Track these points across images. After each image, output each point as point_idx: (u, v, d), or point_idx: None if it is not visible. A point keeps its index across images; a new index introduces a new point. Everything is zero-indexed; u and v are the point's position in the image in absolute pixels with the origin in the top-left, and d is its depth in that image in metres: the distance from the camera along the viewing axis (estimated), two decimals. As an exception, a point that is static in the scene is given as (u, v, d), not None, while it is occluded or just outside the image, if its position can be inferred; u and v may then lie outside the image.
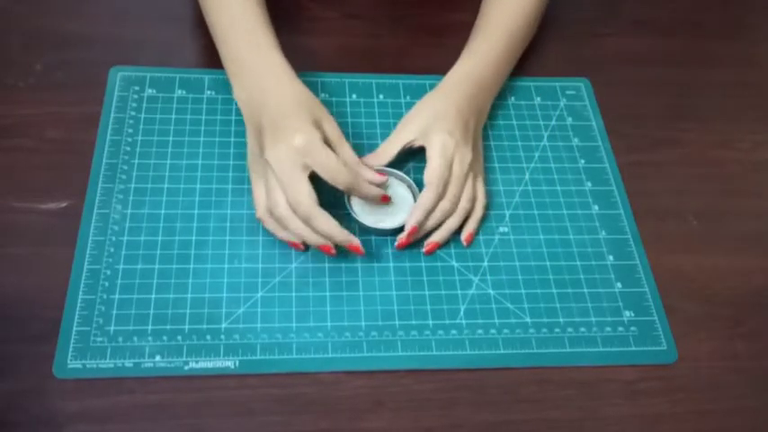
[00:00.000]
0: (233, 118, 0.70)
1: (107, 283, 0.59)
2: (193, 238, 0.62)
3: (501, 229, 0.66)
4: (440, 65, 0.71)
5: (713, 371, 0.61)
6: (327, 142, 0.59)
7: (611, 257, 0.66)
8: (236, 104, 0.65)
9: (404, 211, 0.63)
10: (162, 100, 0.70)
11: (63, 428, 0.52)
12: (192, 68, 0.73)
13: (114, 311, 0.57)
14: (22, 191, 0.63)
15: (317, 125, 0.59)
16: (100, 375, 0.54)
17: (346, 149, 0.61)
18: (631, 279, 0.65)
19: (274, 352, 0.57)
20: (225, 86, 0.67)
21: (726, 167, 0.75)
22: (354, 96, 0.74)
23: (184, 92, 0.71)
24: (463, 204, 0.63)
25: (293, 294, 0.60)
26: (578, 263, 0.65)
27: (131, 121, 0.68)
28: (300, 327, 0.59)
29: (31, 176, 0.64)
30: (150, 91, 0.71)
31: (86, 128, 0.67)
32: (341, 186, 0.59)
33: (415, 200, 0.64)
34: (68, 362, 0.55)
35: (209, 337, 0.57)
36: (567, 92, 0.78)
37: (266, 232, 0.62)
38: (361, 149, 0.68)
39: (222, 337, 0.57)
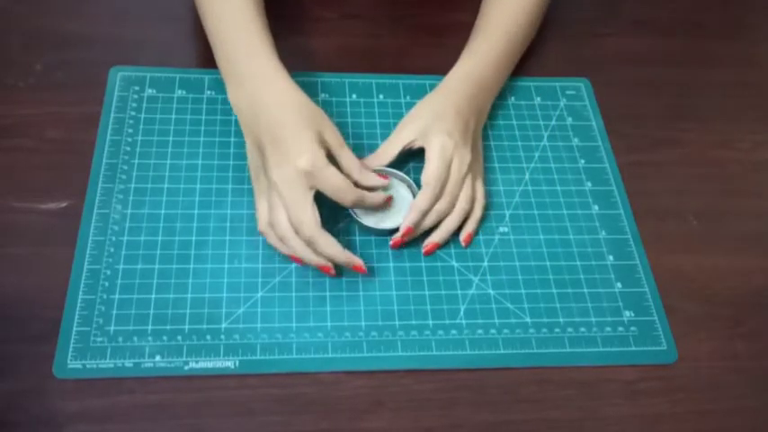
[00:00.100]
0: (233, 118, 0.70)
1: (107, 283, 0.59)
2: (193, 238, 0.62)
3: (501, 229, 0.66)
4: (440, 65, 0.71)
5: (713, 371, 0.61)
6: (328, 149, 0.58)
7: (611, 257, 0.66)
8: None
9: (404, 210, 0.63)
10: (162, 100, 0.70)
11: (63, 428, 0.52)
12: (192, 68, 0.73)
13: (114, 311, 0.57)
14: (22, 191, 0.63)
15: (319, 137, 0.58)
16: (100, 375, 0.54)
17: (347, 156, 0.60)
18: (631, 279, 0.65)
19: (274, 352, 0.57)
20: (225, 87, 0.67)
21: (726, 167, 0.75)
22: (354, 96, 0.74)
23: (184, 92, 0.71)
24: (462, 205, 0.63)
25: (293, 294, 0.60)
26: (578, 263, 0.65)
27: (131, 121, 0.68)
28: (300, 327, 0.59)
29: (31, 176, 0.64)
30: (150, 91, 0.71)
31: (86, 128, 0.67)
32: (347, 204, 0.59)
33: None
34: (68, 362, 0.55)
35: (209, 337, 0.57)
36: (567, 92, 0.78)
37: (266, 232, 0.62)
38: (360, 149, 0.68)
39: (222, 337, 0.57)
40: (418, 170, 0.66)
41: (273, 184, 0.57)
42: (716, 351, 0.62)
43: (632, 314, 0.63)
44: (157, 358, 0.56)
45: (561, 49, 0.81)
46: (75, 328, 0.56)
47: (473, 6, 0.75)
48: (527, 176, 0.70)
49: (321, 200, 0.58)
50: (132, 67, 0.72)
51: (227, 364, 0.56)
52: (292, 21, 0.79)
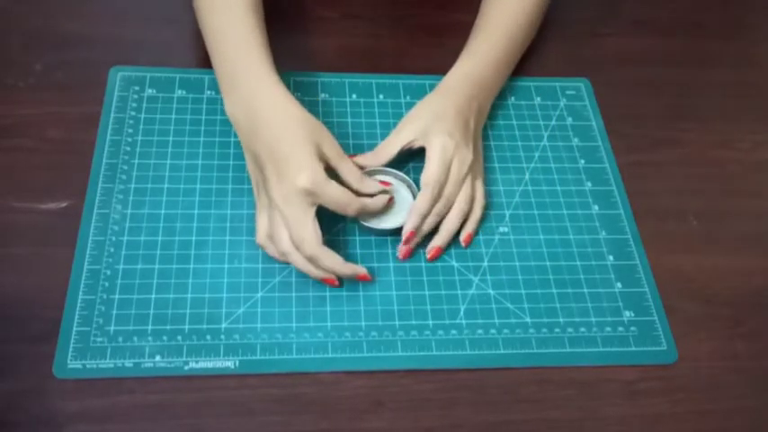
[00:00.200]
0: (233, 118, 0.70)
1: (107, 283, 0.59)
2: (193, 238, 0.62)
3: (501, 229, 0.66)
4: (440, 65, 0.71)
5: (713, 371, 0.61)
6: (327, 162, 0.58)
7: (611, 257, 0.66)
8: None
9: (404, 210, 0.63)
10: (162, 100, 0.70)
11: (63, 428, 0.52)
12: (192, 68, 0.73)
13: (114, 311, 0.57)
14: (22, 191, 0.63)
15: (318, 150, 0.57)
16: (100, 375, 0.54)
17: (347, 167, 0.60)
18: (631, 279, 0.65)
19: (274, 352, 0.57)
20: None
21: (726, 167, 0.75)
22: (354, 96, 0.74)
23: (184, 92, 0.71)
24: (461, 206, 0.63)
25: (293, 294, 0.60)
26: (578, 263, 0.65)
27: (131, 121, 0.68)
28: (300, 327, 0.59)
29: (31, 176, 0.64)
30: (150, 91, 0.71)
31: (86, 128, 0.67)
32: (351, 215, 0.59)
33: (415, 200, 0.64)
34: (68, 362, 0.55)
35: (209, 337, 0.57)
36: (567, 92, 0.78)
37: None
38: (360, 149, 0.68)
39: (222, 337, 0.57)
40: (418, 170, 0.66)
41: (274, 203, 0.56)
42: (716, 351, 0.62)
43: (632, 314, 0.63)
44: (157, 358, 0.56)
45: (561, 49, 0.81)
46: (75, 328, 0.56)
47: (473, 6, 0.75)
48: (527, 176, 0.70)
49: (321, 207, 0.58)
50: (132, 67, 0.72)
51: (227, 364, 0.56)
52: (293, 20, 0.79)
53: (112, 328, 0.57)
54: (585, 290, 0.63)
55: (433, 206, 0.62)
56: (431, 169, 0.62)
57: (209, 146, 0.68)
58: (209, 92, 0.71)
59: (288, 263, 0.59)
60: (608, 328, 0.62)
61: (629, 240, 0.67)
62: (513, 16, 0.72)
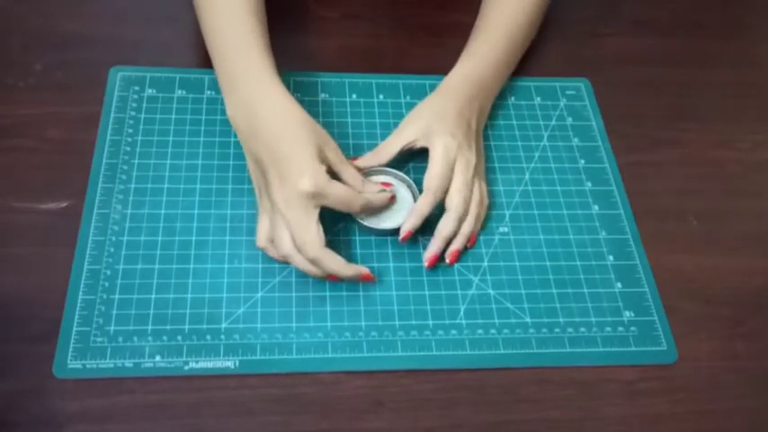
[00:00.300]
0: (233, 118, 0.70)
1: (107, 284, 0.59)
2: (193, 238, 0.62)
3: (501, 229, 0.66)
4: (440, 65, 0.71)
5: (713, 371, 0.61)
6: (329, 165, 0.58)
7: (611, 257, 0.66)
8: None
9: (404, 210, 0.63)
10: (162, 100, 0.70)
11: (63, 428, 0.52)
12: (192, 68, 0.73)
13: (114, 311, 0.57)
14: (22, 191, 0.63)
15: (320, 152, 0.57)
16: (100, 375, 0.55)
17: (349, 172, 0.60)
18: (631, 279, 0.65)
19: (274, 352, 0.57)
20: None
21: (726, 167, 0.75)
22: (354, 96, 0.74)
23: (184, 92, 0.71)
24: (475, 208, 0.63)
25: (293, 294, 0.60)
26: (578, 263, 0.65)
27: (131, 121, 0.68)
28: (300, 327, 0.59)
29: (31, 176, 0.64)
30: (150, 91, 0.71)
31: (86, 128, 0.67)
32: (356, 212, 0.59)
33: (415, 200, 0.64)
34: (68, 362, 0.55)
35: (209, 337, 0.57)
36: (567, 92, 0.78)
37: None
38: (360, 149, 0.68)
39: (222, 337, 0.57)
40: (418, 170, 0.66)
41: (276, 206, 0.56)
42: (716, 351, 0.62)
43: (632, 314, 0.63)
44: (157, 358, 0.56)
45: (561, 49, 0.81)
46: (75, 328, 0.56)
47: (473, 6, 0.75)
48: (527, 176, 0.70)
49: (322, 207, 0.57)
50: (132, 67, 0.72)
51: (227, 364, 0.56)
52: (293, 20, 0.79)
53: (112, 328, 0.57)
54: (585, 290, 0.63)
55: (434, 208, 0.61)
56: (434, 170, 0.61)
57: (209, 146, 0.68)
58: (209, 92, 0.71)
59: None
60: (608, 328, 0.62)
61: (629, 240, 0.67)
62: (513, 16, 0.72)
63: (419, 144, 0.64)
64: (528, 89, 0.77)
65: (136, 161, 0.66)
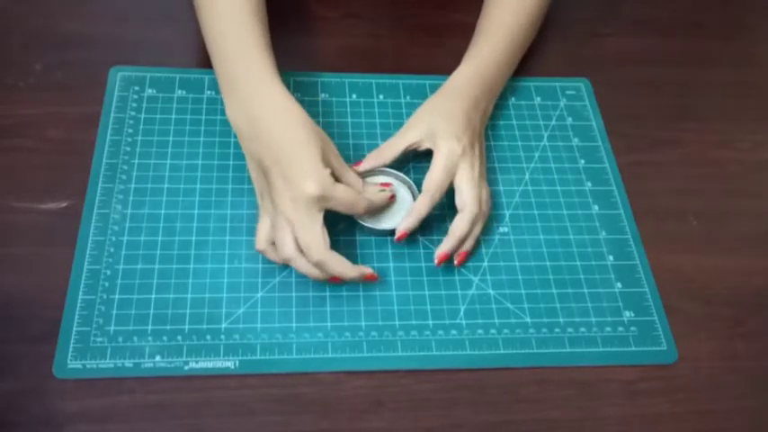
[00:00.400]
0: (233, 118, 0.70)
1: (107, 284, 0.59)
2: (193, 238, 0.62)
3: (501, 229, 0.66)
4: (440, 65, 0.71)
5: (713, 371, 0.61)
6: (331, 168, 0.57)
7: (611, 257, 0.66)
8: None
9: (404, 210, 0.63)
10: (162, 100, 0.70)
11: (63, 428, 0.52)
12: (192, 68, 0.73)
13: (114, 311, 0.57)
14: (22, 191, 0.63)
15: (323, 155, 0.56)
16: (100, 375, 0.55)
17: (351, 176, 0.60)
18: (631, 279, 0.65)
19: (274, 352, 0.57)
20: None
21: (726, 167, 0.75)
22: (354, 96, 0.74)
23: (184, 92, 0.71)
24: (485, 210, 0.63)
25: (293, 294, 0.60)
26: (578, 263, 0.65)
27: (131, 121, 0.68)
28: (300, 327, 0.59)
29: (31, 176, 0.64)
30: (150, 91, 0.71)
31: (86, 128, 0.67)
32: (360, 214, 0.59)
33: (415, 200, 0.64)
34: (68, 362, 0.55)
35: (209, 337, 0.57)
36: (567, 92, 0.78)
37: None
38: (361, 149, 0.68)
39: (222, 337, 0.57)
40: (418, 170, 0.66)
41: (279, 209, 0.55)
42: (716, 351, 0.62)
43: (632, 314, 0.63)
44: (157, 358, 0.56)
45: (561, 49, 0.81)
46: (75, 328, 0.56)
47: (473, 6, 0.75)
48: (527, 176, 0.70)
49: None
50: (132, 67, 0.72)
51: (227, 364, 0.56)
52: (293, 20, 0.79)
53: (112, 328, 0.57)
54: (585, 290, 0.63)
55: (431, 209, 0.61)
56: (435, 172, 0.61)
57: (209, 146, 0.68)
58: (209, 92, 0.71)
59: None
60: (608, 328, 0.62)
61: (629, 240, 0.67)
62: (516, 16, 0.72)
63: (424, 145, 0.63)
64: (528, 89, 0.77)
65: (136, 161, 0.66)
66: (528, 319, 0.61)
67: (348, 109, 0.73)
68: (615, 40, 0.84)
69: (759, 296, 0.66)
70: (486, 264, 0.64)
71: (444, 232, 0.63)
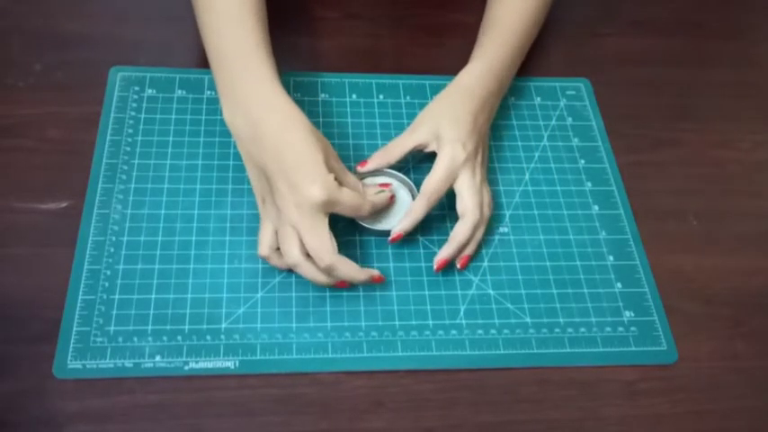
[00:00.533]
0: (233, 118, 0.69)
1: (107, 284, 0.59)
2: (193, 238, 0.62)
3: (501, 229, 0.66)
4: (440, 65, 0.71)
5: (713, 371, 0.61)
6: (334, 173, 0.57)
7: (611, 257, 0.66)
8: None
9: (403, 211, 0.63)
10: (162, 100, 0.70)
11: (63, 428, 0.52)
12: (192, 68, 0.73)
13: (114, 312, 0.57)
14: (22, 191, 0.63)
15: (326, 160, 0.56)
16: (100, 375, 0.55)
17: (350, 178, 0.60)
18: (631, 279, 0.65)
19: (274, 352, 0.57)
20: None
21: (726, 167, 0.75)
22: (354, 96, 0.74)
23: (184, 92, 0.71)
24: (486, 216, 0.63)
25: (293, 294, 0.60)
26: (578, 263, 0.65)
27: (131, 122, 0.68)
28: (300, 327, 0.59)
29: (31, 176, 0.64)
30: (150, 91, 0.71)
31: (86, 128, 0.67)
32: (364, 217, 0.59)
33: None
34: (68, 362, 0.55)
35: (209, 337, 0.57)
36: (567, 92, 0.78)
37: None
38: (361, 149, 0.68)
39: (222, 337, 0.57)
40: (418, 171, 0.66)
41: (284, 214, 0.55)
42: (716, 351, 0.62)
43: (632, 314, 0.63)
44: (157, 358, 0.56)
45: (561, 49, 0.81)
46: (75, 329, 0.56)
47: (473, 6, 0.75)
48: (527, 176, 0.70)
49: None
50: (132, 67, 0.72)
51: (227, 364, 0.56)
52: (293, 20, 0.79)
53: (112, 328, 0.57)
54: (585, 290, 0.63)
55: (427, 212, 0.61)
56: (434, 177, 0.61)
57: (209, 146, 0.68)
58: (209, 92, 0.71)
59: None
60: (608, 329, 0.62)
61: (629, 240, 0.67)
62: (521, 15, 0.71)
63: (430, 147, 0.63)
64: (528, 89, 0.77)
65: (136, 161, 0.66)
66: (528, 320, 0.61)
67: (348, 109, 0.73)
68: (615, 40, 0.84)
69: (759, 296, 0.66)
70: (486, 264, 0.64)
71: (444, 233, 0.63)
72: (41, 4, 0.76)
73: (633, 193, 0.70)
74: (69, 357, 0.55)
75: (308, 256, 0.55)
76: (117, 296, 0.58)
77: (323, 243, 0.55)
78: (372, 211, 0.60)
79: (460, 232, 0.61)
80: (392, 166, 0.65)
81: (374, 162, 0.64)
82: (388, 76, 0.76)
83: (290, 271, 0.59)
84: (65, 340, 0.56)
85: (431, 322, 0.60)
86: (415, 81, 0.75)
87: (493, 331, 0.60)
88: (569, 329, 0.61)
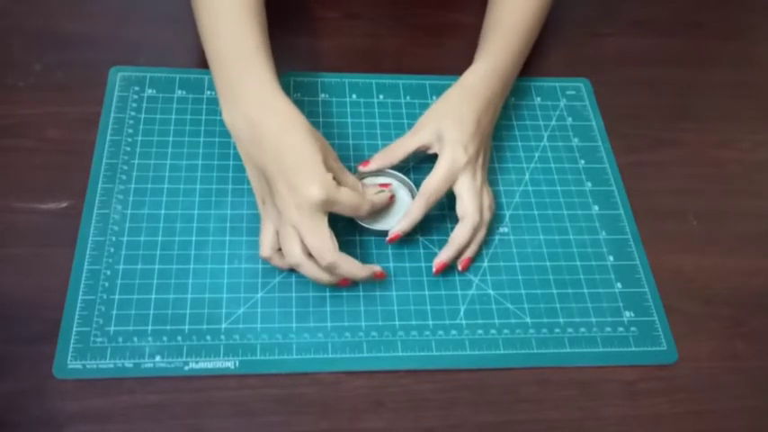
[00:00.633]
0: (233, 118, 0.69)
1: (107, 284, 0.59)
2: (193, 238, 0.62)
3: (501, 229, 0.66)
4: (440, 65, 0.71)
5: (713, 371, 0.61)
6: (333, 173, 0.57)
7: (611, 257, 0.66)
8: None
9: (402, 211, 0.63)
10: (162, 100, 0.70)
11: (63, 428, 0.52)
12: (192, 68, 0.73)
13: (114, 312, 0.57)
14: (22, 191, 0.63)
15: (324, 160, 0.56)
16: (100, 376, 0.55)
17: (350, 178, 0.60)
18: (631, 279, 0.65)
19: (274, 352, 0.57)
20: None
21: (726, 167, 0.75)
22: (354, 96, 0.74)
23: (184, 92, 0.71)
24: (486, 218, 0.63)
25: (293, 295, 0.60)
26: (578, 263, 0.65)
27: (131, 122, 0.68)
28: (300, 327, 0.59)
29: (31, 176, 0.64)
30: (150, 91, 0.71)
31: (86, 128, 0.67)
32: (363, 216, 0.59)
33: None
34: (68, 362, 0.55)
35: (209, 337, 0.57)
36: (567, 92, 0.78)
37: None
38: (361, 150, 0.68)
39: (222, 337, 0.57)
40: (418, 170, 0.66)
41: (285, 215, 0.55)
42: (716, 351, 0.62)
43: (632, 314, 0.63)
44: (157, 358, 0.56)
45: (561, 49, 0.81)
46: (75, 329, 0.56)
47: (473, 6, 0.75)
48: (527, 176, 0.70)
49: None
50: (132, 67, 0.72)
51: (227, 364, 0.56)
52: (293, 21, 0.79)
53: (112, 328, 0.57)
54: (585, 290, 0.63)
55: (427, 212, 0.61)
56: (434, 179, 0.61)
57: (209, 146, 0.68)
58: (209, 92, 0.71)
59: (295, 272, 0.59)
60: (608, 329, 0.62)
61: (629, 240, 0.67)
62: (523, 15, 0.71)
63: (433, 149, 0.63)
64: (528, 89, 0.77)
65: (136, 161, 0.66)
66: (528, 320, 0.61)
67: (348, 109, 0.73)
68: (615, 40, 0.84)
69: (759, 296, 0.66)
70: (486, 264, 0.64)
71: (444, 233, 0.63)
72: (41, 4, 0.76)
73: (633, 193, 0.70)
74: (69, 357, 0.55)
75: (309, 255, 0.55)
76: (117, 296, 0.58)
77: (324, 242, 0.55)
78: (371, 210, 0.60)
79: (460, 235, 0.61)
80: (394, 167, 0.65)
81: (377, 162, 0.64)
82: (388, 76, 0.76)
83: (292, 271, 0.59)
84: (65, 340, 0.56)
85: (431, 322, 0.60)
86: (415, 81, 0.75)
87: (493, 331, 0.60)
88: (569, 329, 0.61)
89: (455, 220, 0.62)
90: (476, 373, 0.58)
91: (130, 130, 0.68)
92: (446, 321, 0.60)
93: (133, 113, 0.69)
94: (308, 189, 0.54)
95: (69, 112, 0.68)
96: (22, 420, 0.52)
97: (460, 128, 0.62)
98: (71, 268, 0.59)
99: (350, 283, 0.58)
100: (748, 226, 0.70)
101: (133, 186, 0.64)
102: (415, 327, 0.60)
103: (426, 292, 0.62)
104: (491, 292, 0.62)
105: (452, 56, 0.70)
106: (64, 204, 0.62)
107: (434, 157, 0.62)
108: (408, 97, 0.74)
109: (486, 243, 0.65)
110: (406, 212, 0.61)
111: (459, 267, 0.62)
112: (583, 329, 0.61)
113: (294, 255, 0.55)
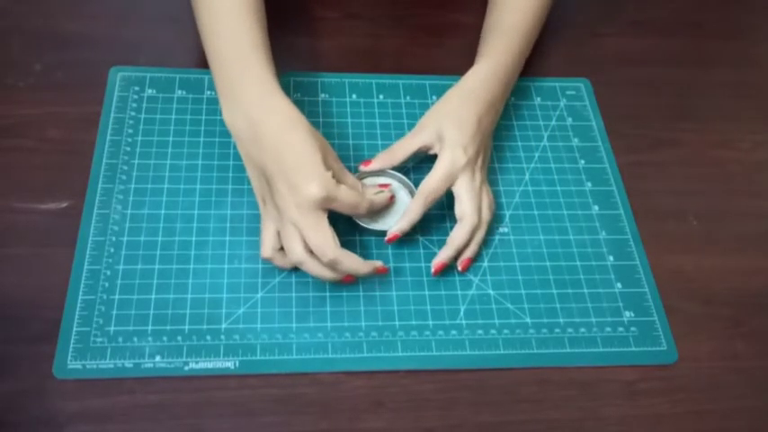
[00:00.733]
0: (233, 118, 0.69)
1: (107, 284, 0.59)
2: (193, 238, 0.62)
3: (501, 229, 0.66)
4: (440, 65, 0.71)
5: (713, 371, 0.61)
6: (333, 171, 0.57)
7: (611, 258, 0.66)
8: None
9: (401, 212, 0.63)
10: (162, 100, 0.70)
11: (63, 428, 0.52)
12: (192, 68, 0.73)
13: (114, 312, 0.57)
14: (22, 191, 0.63)
15: (324, 159, 0.56)
16: (100, 376, 0.55)
17: (350, 178, 0.60)
18: (631, 279, 0.65)
19: (274, 352, 0.57)
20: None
21: (726, 167, 0.75)
22: (354, 96, 0.74)
23: (184, 92, 0.71)
24: (485, 219, 0.63)
25: (293, 295, 0.60)
26: (578, 263, 0.65)
27: (131, 122, 0.68)
28: (300, 327, 0.59)
29: (31, 176, 0.64)
30: (150, 91, 0.71)
31: (86, 128, 0.67)
32: (362, 215, 0.59)
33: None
34: (68, 362, 0.55)
35: (209, 337, 0.57)
36: (567, 92, 0.78)
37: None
38: (360, 150, 0.68)
39: (222, 337, 0.57)
40: (418, 171, 0.66)
41: (285, 214, 0.55)
42: (716, 351, 0.62)
43: (632, 314, 0.63)
44: (157, 359, 0.56)
45: (561, 49, 0.81)
46: (75, 329, 0.56)
47: (473, 6, 0.75)
48: (527, 176, 0.70)
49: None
50: (132, 68, 0.72)
51: (227, 364, 0.56)
52: (293, 21, 0.79)
53: (112, 328, 0.57)
54: (585, 290, 0.64)
55: (423, 213, 0.61)
56: (432, 179, 0.61)
57: (209, 146, 0.68)
58: (209, 92, 0.71)
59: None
60: (608, 329, 0.62)
61: (629, 240, 0.67)
62: (524, 15, 0.71)
63: (434, 150, 0.63)
64: (528, 89, 0.77)
65: (136, 161, 0.66)
66: (528, 320, 0.61)
67: (348, 109, 0.73)
68: (615, 40, 0.84)
69: (759, 296, 0.66)
70: (486, 264, 0.64)
71: (444, 233, 0.63)
72: (41, 4, 0.76)
73: (633, 193, 0.70)
74: (69, 357, 0.55)
75: (311, 253, 0.56)
76: (117, 296, 0.58)
77: (325, 239, 0.55)
78: (370, 209, 0.60)
79: (458, 236, 0.61)
80: (394, 167, 0.65)
81: (378, 162, 0.64)
82: (388, 76, 0.76)
83: (295, 269, 0.59)
84: (65, 340, 0.56)
85: (431, 322, 0.60)
86: (415, 81, 0.75)
87: (493, 331, 0.60)
88: (569, 329, 0.61)
89: (455, 220, 0.62)
90: (476, 373, 0.58)
91: (130, 130, 0.68)
92: (446, 321, 0.60)
93: (133, 113, 0.69)
94: (307, 187, 0.54)
95: (69, 112, 0.68)
96: (22, 420, 0.52)
97: (461, 128, 0.62)
98: (71, 268, 0.59)
99: (353, 280, 0.58)
100: (748, 226, 0.70)
101: (133, 186, 0.64)
102: (415, 327, 0.60)
103: (426, 292, 0.62)
104: (491, 292, 0.62)
105: (452, 56, 0.71)
106: (64, 204, 0.62)
107: (434, 158, 0.62)
108: (408, 97, 0.74)
109: (486, 243, 0.65)
110: (404, 212, 0.61)
111: (459, 267, 0.62)
112: (583, 329, 0.61)
113: (296, 253, 0.56)
